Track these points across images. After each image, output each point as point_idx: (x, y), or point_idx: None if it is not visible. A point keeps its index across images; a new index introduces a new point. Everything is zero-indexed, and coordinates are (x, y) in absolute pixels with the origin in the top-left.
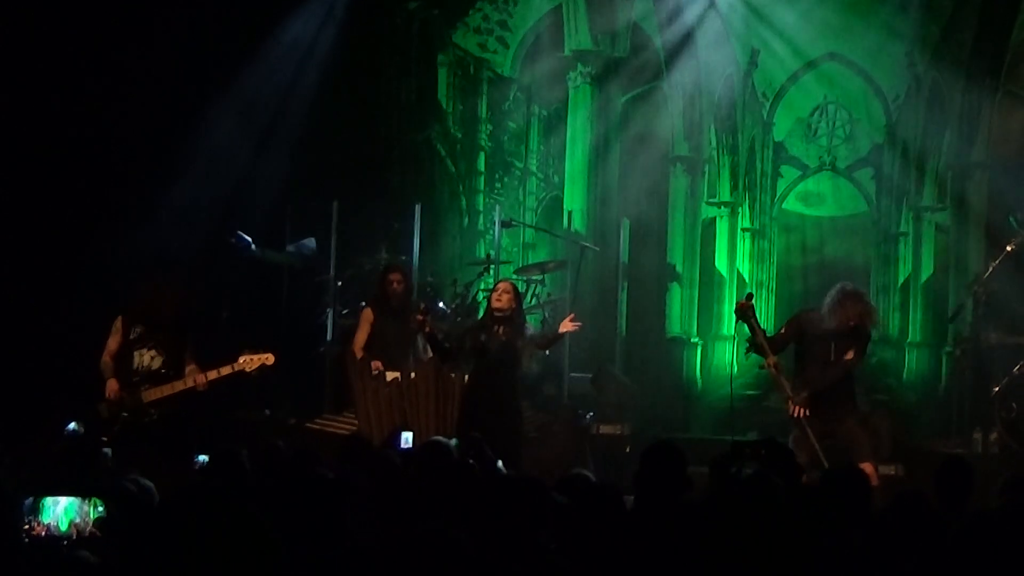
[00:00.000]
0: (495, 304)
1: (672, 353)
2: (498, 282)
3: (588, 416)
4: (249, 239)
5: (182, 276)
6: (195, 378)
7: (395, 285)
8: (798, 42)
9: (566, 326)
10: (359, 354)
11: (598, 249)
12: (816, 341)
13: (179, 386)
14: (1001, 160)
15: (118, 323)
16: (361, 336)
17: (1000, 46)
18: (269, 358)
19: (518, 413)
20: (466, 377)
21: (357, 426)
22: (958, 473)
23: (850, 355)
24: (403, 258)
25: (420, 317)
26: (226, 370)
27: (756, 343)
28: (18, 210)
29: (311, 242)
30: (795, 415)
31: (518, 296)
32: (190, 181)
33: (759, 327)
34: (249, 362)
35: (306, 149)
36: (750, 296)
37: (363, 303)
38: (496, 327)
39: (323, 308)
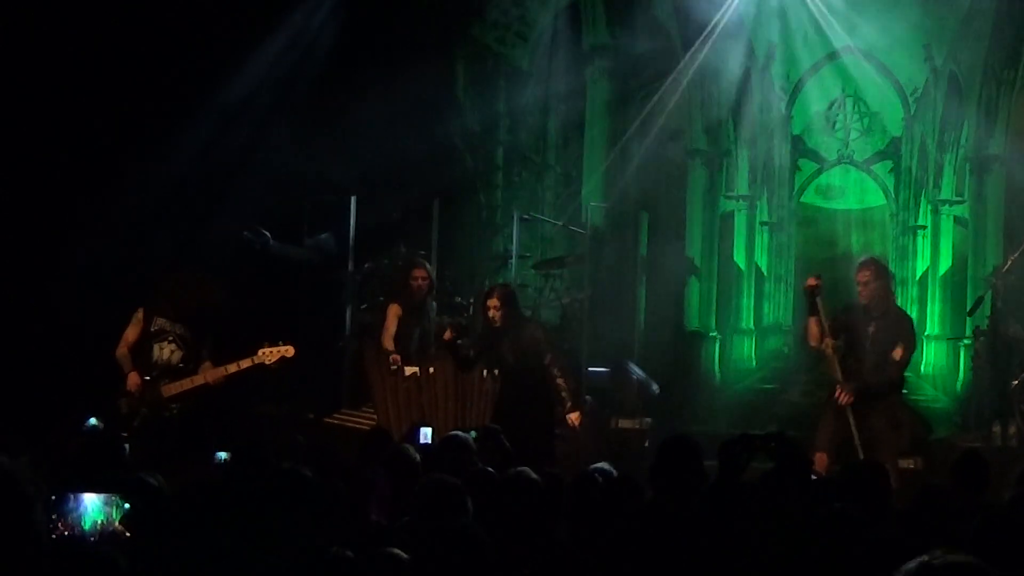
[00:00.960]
0: (489, 321)
1: (691, 347)
2: (487, 296)
3: (587, 399)
4: (267, 234)
5: (210, 272)
6: (215, 372)
7: (419, 282)
8: (816, 35)
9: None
10: (390, 347)
11: (616, 243)
12: (855, 324)
13: (198, 380)
14: (1020, 153)
15: (139, 314)
16: (391, 330)
17: (1018, 38)
18: (289, 350)
19: (548, 417)
20: (497, 373)
21: (376, 421)
22: (974, 466)
23: (899, 353)
24: (422, 253)
25: (449, 335)
26: (246, 363)
27: (815, 326)
28: (33, 204)
29: (330, 238)
30: (840, 401)
31: (508, 304)
32: (207, 177)
33: (820, 311)
34: (269, 355)
35: (323, 143)
36: (819, 276)
37: (381, 298)
38: (499, 342)
39: (341, 303)
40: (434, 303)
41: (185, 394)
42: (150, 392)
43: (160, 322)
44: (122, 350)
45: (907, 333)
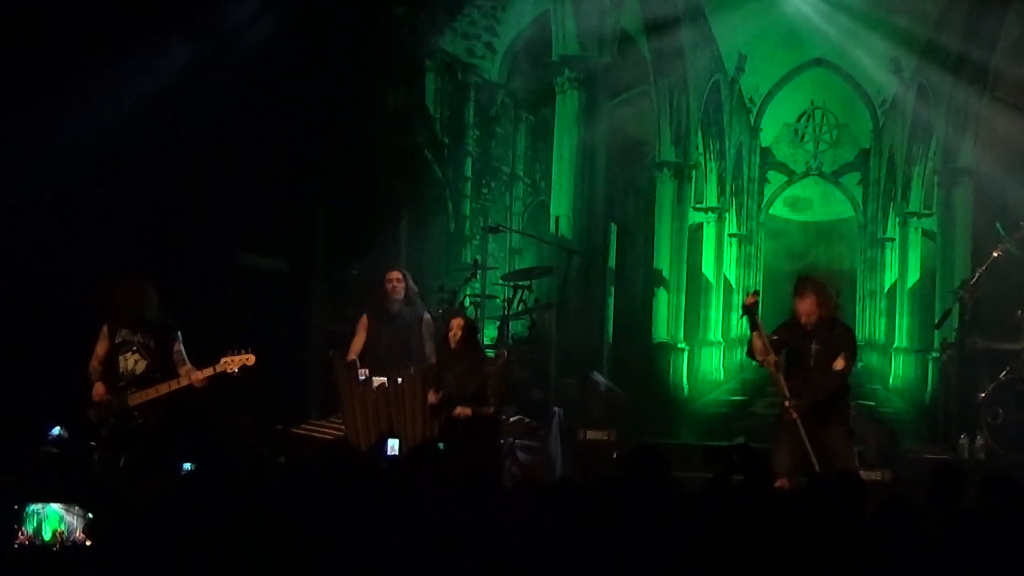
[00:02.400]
0: (451, 343)
1: (659, 358)
2: (450, 318)
3: (555, 410)
4: (236, 246)
5: (143, 275)
6: (179, 380)
7: (394, 284)
8: (785, 47)
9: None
10: (353, 358)
11: (584, 255)
12: (798, 342)
13: (163, 388)
14: (988, 166)
15: (104, 329)
16: (357, 342)
17: (987, 51)
18: (250, 358)
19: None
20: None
21: (343, 431)
22: (950, 478)
23: (840, 363)
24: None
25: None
26: (208, 372)
27: (758, 341)
28: None
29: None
30: (791, 418)
31: (467, 333)
32: (173, 185)
33: (760, 328)
34: (230, 363)
35: (293, 154)
36: (756, 293)
37: (359, 309)
38: (453, 367)
39: (309, 313)
40: (426, 313)
41: (151, 403)
42: (117, 402)
43: (123, 333)
44: (93, 364)
45: (849, 346)
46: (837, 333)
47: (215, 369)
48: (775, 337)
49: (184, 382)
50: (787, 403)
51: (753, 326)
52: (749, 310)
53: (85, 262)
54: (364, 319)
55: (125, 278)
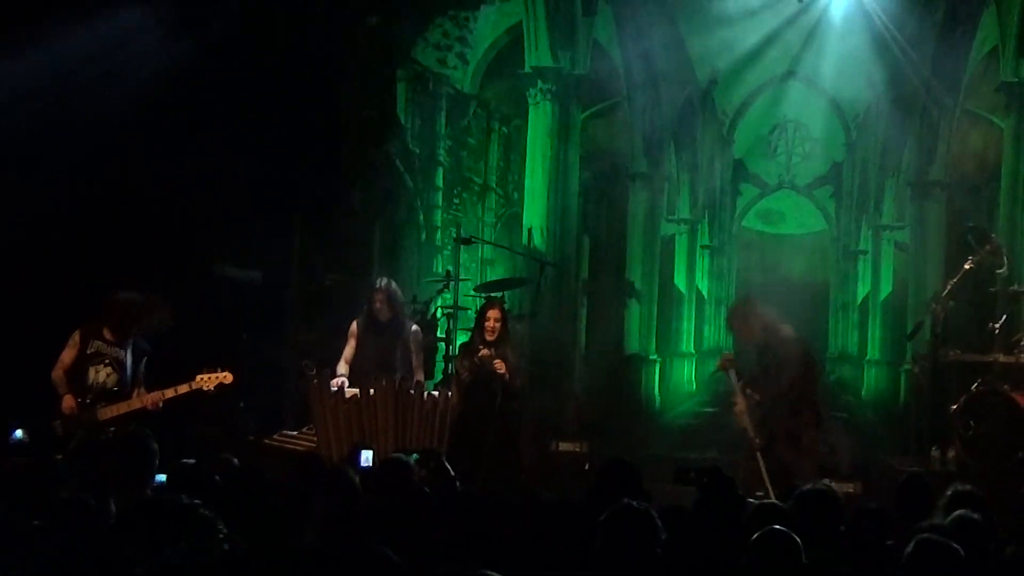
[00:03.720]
0: (488, 334)
1: (631, 370)
2: (488, 309)
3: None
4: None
5: (158, 294)
6: (152, 396)
7: (377, 304)
8: (758, 61)
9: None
10: (344, 367)
11: (557, 266)
12: (755, 368)
13: (135, 404)
14: (960, 179)
15: (76, 337)
16: (347, 350)
17: (959, 66)
18: (227, 376)
19: (517, 429)
20: (450, 394)
21: (315, 443)
22: (916, 489)
23: (786, 378)
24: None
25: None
26: (183, 388)
27: (737, 403)
28: None
29: (256, 274)
30: (754, 450)
31: (506, 320)
32: (148, 196)
33: (739, 385)
34: (206, 380)
35: (267, 165)
36: (729, 354)
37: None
38: (489, 350)
39: (283, 324)
40: (413, 324)
41: (121, 417)
42: (86, 415)
43: (96, 344)
44: (58, 372)
45: (791, 357)
46: (778, 348)
47: (191, 386)
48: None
49: (146, 401)
50: (752, 440)
51: (732, 387)
52: (724, 369)
53: (55, 271)
54: (354, 327)
55: (144, 293)
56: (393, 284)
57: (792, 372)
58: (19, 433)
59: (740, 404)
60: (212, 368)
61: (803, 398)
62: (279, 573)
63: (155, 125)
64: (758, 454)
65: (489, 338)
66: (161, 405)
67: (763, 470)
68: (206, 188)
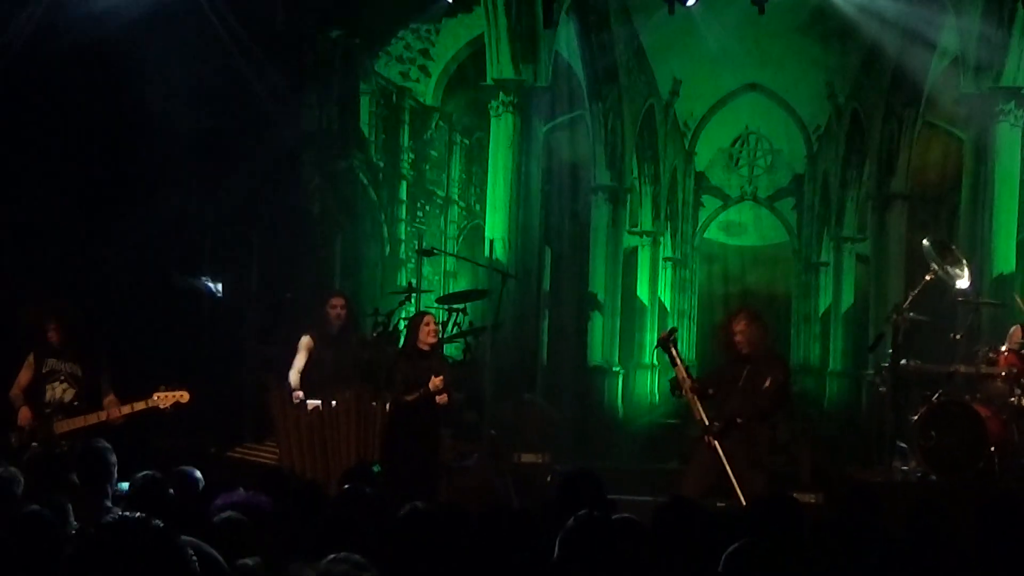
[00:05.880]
0: (428, 339)
1: (594, 382)
2: (425, 315)
3: (492, 432)
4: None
5: (66, 301)
6: (108, 412)
7: (337, 310)
8: (720, 72)
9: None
10: (296, 380)
11: (519, 278)
12: (731, 368)
13: (92, 419)
14: (920, 190)
15: (30, 359)
16: (299, 362)
17: (919, 77)
18: (184, 395)
19: (439, 442)
20: (387, 406)
21: (278, 455)
22: (865, 501)
23: (769, 384)
24: (337, 290)
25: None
26: (140, 405)
27: (677, 375)
28: None
29: (218, 285)
30: (708, 443)
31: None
32: (107, 211)
33: (679, 358)
34: (164, 399)
35: (227, 176)
36: (673, 330)
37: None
38: (423, 360)
39: (243, 336)
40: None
41: (78, 432)
42: (42, 428)
43: (51, 363)
44: (15, 391)
45: (778, 371)
46: (767, 358)
47: (147, 403)
48: (707, 380)
49: (102, 417)
50: (707, 426)
51: (672, 361)
52: (665, 344)
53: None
54: (307, 340)
55: (50, 305)
56: (349, 298)
57: (779, 380)
58: None
59: (680, 372)
60: (170, 386)
61: (778, 403)
62: None
63: (112, 133)
64: (717, 446)
65: (423, 348)
66: (119, 420)
67: (724, 461)
68: (167, 199)
